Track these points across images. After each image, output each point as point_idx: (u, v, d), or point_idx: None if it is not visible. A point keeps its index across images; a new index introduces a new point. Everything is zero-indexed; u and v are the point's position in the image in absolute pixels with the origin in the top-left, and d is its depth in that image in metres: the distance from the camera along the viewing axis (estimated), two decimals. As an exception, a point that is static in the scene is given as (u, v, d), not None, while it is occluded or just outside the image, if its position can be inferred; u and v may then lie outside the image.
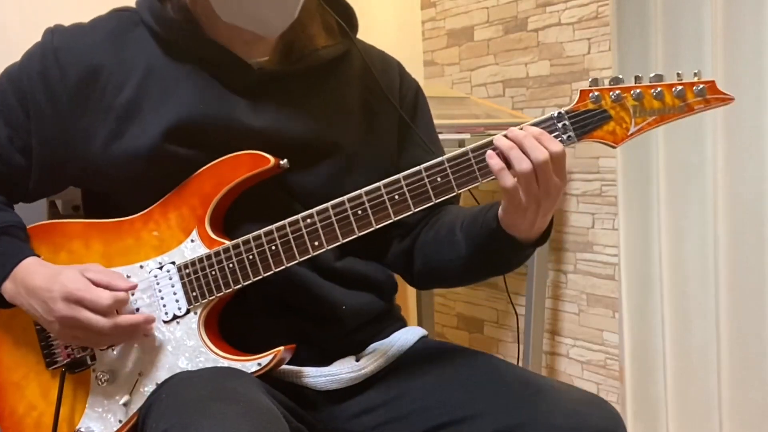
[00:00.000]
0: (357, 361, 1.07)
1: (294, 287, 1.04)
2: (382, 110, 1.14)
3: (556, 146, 0.89)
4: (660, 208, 1.77)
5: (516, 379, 1.03)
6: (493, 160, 0.91)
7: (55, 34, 1.06)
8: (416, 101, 1.19)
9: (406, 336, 1.13)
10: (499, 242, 0.99)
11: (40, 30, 1.08)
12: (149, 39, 1.04)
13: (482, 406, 0.99)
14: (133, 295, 1.02)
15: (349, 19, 1.13)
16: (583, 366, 2.16)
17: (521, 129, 0.91)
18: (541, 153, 0.88)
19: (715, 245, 1.65)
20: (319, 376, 1.04)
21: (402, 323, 1.19)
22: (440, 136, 1.79)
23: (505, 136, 0.91)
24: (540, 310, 2.11)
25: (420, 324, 2.30)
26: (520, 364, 2.15)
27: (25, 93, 1.04)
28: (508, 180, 0.90)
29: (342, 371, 1.05)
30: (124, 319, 0.98)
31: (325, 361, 1.06)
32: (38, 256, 1.04)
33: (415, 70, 2.49)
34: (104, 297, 0.96)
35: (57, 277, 0.98)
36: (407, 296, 2.42)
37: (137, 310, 1.03)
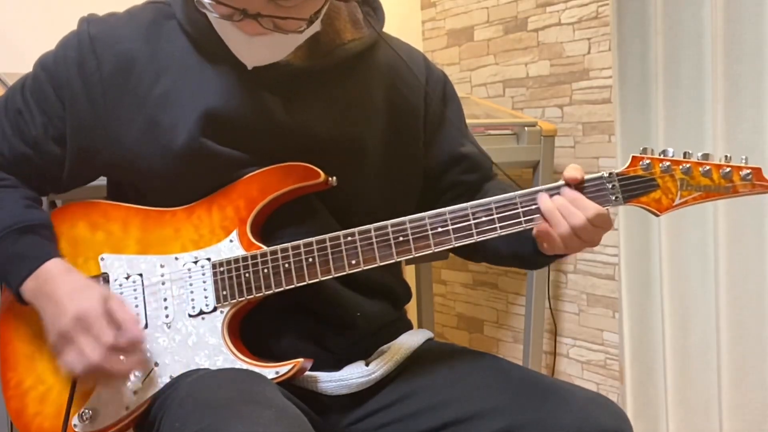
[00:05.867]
0: (366, 365, 1.07)
1: (312, 291, 1.03)
2: (407, 108, 1.13)
3: (591, 211, 0.94)
4: (660, 208, 1.77)
5: (523, 378, 1.04)
6: (539, 222, 0.96)
7: (90, 23, 1.05)
8: (444, 93, 1.18)
9: (413, 338, 1.13)
10: (536, 257, 1.04)
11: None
12: (180, 34, 1.04)
13: (490, 405, 0.99)
14: (165, 298, 1.03)
15: (375, 12, 1.12)
16: (583, 366, 2.16)
17: (560, 191, 0.96)
18: (577, 219, 0.94)
19: (715, 245, 1.65)
20: (329, 382, 1.04)
21: (410, 325, 1.20)
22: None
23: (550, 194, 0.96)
24: (540, 310, 2.11)
25: (420, 324, 2.30)
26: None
27: (61, 81, 1.03)
28: (553, 240, 0.96)
29: (352, 376, 1.05)
30: (112, 364, 0.95)
31: (336, 366, 1.06)
32: (62, 257, 1.04)
33: (415, 70, 2.49)
34: (108, 336, 0.95)
35: (78, 293, 0.97)
36: (407, 296, 2.42)
37: (164, 300, 1.03)
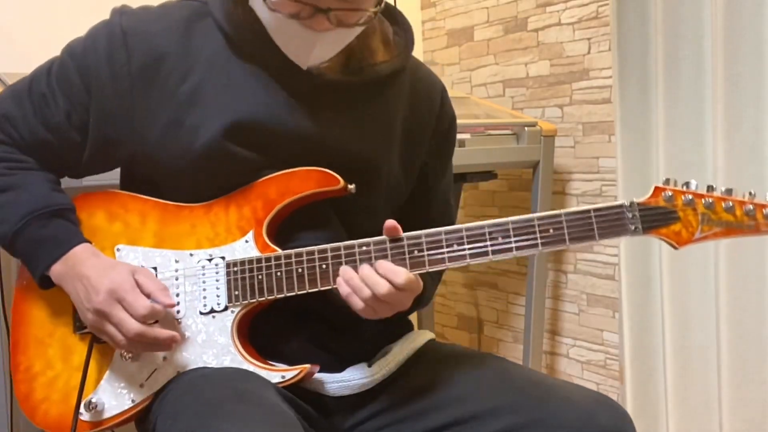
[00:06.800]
0: (369, 366, 1.07)
1: (319, 295, 1.03)
2: (419, 137, 1.15)
3: (400, 279, 0.93)
4: (660, 208, 1.77)
5: (526, 378, 1.04)
6: (342, 287, 0.96)
7: (123, 15, 1.05)
8: (448, 133, 1.20)
9: (415, 340, 1.14)
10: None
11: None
12: (216, 33, 1.04)
13: (493, 404, 1.00)
14: (178, 312, 1.03)
15: (406, 34, 1.13)
16: (583, 366, 2.16)
17: (372, 259, 0.96)
18: (381, 287, 0.93)
19: (715, 245, 1.65)
20: (332, 383, 1.05)
21: (411, 326, 1.20)
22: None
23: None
24: (540, 310, 2.11)
25: (420, 324, 2.30)
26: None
27: (89, 70, 1.03)
28: (357, 304, 0.95)
29: (354, 377, 1.05)
30: (151, 330, 0.97)
31: (339, 367, 1.07)
32: (89, 242, 1.05)
33: (415, 70, 2.49)
34: (142, 304, 0.97)
35: (108, 270, 0.99)
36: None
37: (177, 295, 1.03)
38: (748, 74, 1.56)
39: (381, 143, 1.09)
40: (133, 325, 0.96)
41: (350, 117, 1.07)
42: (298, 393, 1.01)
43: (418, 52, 2.54)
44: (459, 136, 1.82)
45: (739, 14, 1.56)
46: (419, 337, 1.14)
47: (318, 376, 1.04)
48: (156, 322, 0.99)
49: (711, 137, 1.65)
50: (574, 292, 2.15)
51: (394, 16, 1.13)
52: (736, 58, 1.57)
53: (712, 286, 1.69)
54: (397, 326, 1.16)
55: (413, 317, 2.39)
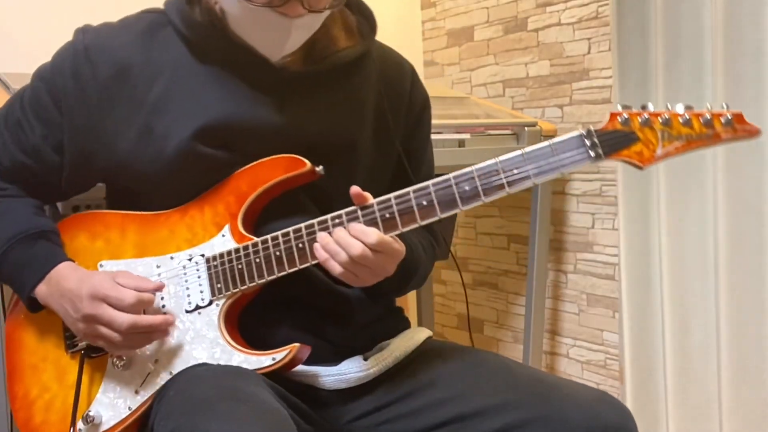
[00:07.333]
0: (365, 360, 1.07)
1: (307, 284, 1.05)
2: (393, 120, 1.16)
3: (371, 238, 0.94)
4: (660, 208, 1.77)
5: (527, 375, 1.04)
6: (319, 252, 0.96)
7: (85, 33, 1.08)
8: (422, 114, 1.21)
9: (413, 337, 1.14)
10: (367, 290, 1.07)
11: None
12: (177, 40, 1.06)
13: (493, 401, 1.00)
14: (162, 296, 1.04)
15: (368, 21, 1.15)
16: (583, 366, 2.16)
17: (345, 225, 0.97)
18: (355, 248, 0.93)
19: (715, 245, 1.65)
20: (327, 376, 1.05)
21: (407, 323, 1.20)
22: (440, 136, 1.80)
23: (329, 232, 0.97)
24: (540, 310, 2.11)
25: (420, 324, 2.30)
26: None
27: (58, 90, 1.06)
28: (336, 268, 0.95)
29: (350, 370, 1.06)
30: (144, 318, 0.99)
31: (334, 358, 1.07)
32: (72, 261, 1.07)
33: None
34: (129, 294, 0.98)
35: (87, 278, 1.01)
36: (407, 296, 2.42)
37: (162, 299, 1.05)
38: (748, 74, 1.56)
39: (353, 126, 1.11)
40: (124, 318, 0.97)
41: (319, 104, 1.08)
42: (293, 388, 1.01)
43: (418, 52, 2.54)
44: (459, 136, 1.83)
45: (739, 14, 1.56)
46: (417, 334, 1.15)
47: (313, 369, 1.05)
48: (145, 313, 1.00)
49: (711, 137, 1.65)
50: (574, 292, 2.15)
51: (357, 5, 1.15)
52: (736, 58, 1.57)
53: (712, 286, 1.69)
54: (393, 321, 1.17)
55: (413, 317, 2.40)
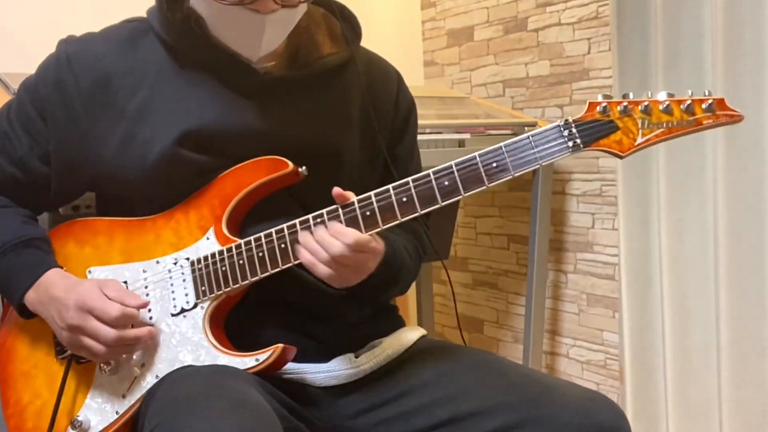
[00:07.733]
0: (356, 357, 1.07)
1: (293, 283, 1.05)
2: (379, 125, 1.16)
3: (348, 239, 0.94)
4: (660, 208, 1.77)
5: (521, 375, 1.04)
6: (301, 252, 0.97)
7: (68, 43, 1.09)
8: (408, 118, 1.22)
9: (406, 335, 1.14)
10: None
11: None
12: (159, 47, 1.07)
13: (488, 402, 0.99)
14: (150, 318, 1.05)
15: (353, 28, 1.16)
16: (583, 366, 2.16)
17: (326, 225, 0.97)
18: (334, 247, 0.94)
19: (715, 245, 1.65)
20: (317, 373, 1.05)
21: (401, 322, 1.20)
22: (440, 136, 1.81)
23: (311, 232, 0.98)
24: (540, 310, 2.11)
25: (420, 324, 2.30)
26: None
27: (43, 101, 1.07)
28: (322, 270, 0.96)
29: (341, 368, 1.06)
30: (130, 332, 1.00)
31: (325, 357, 1.07)
32: (61, 268, 1.08)
33: (415, 70, 2.49)
34: (114, 308, 0.99)
35: (75, 287, 1.02)
36: (407, 296, 2.42)
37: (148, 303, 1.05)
38: (748, 74, 1.56)
39: (338, 130, 1.11)
40: (109, 332, 0.98)
41: (303, 109, 1.09)
42: (285, 386, 1.02)
43: (418, 52, 2.54)
44: (459, 136, 1.83)
45: (739, 14, 1.56)
46: (410, 333, 1.15)
47: (304, 366, 1.05)
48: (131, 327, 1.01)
49: (711, 137, 1.65)
50: (574, 292, 2.15)
51: (342, 12, 1.16)
52: (736, 58, 1.57)
53: (712, 286, 1.69)
54: (386, 319, 1.17)
55: (413, 316, 2.40)
